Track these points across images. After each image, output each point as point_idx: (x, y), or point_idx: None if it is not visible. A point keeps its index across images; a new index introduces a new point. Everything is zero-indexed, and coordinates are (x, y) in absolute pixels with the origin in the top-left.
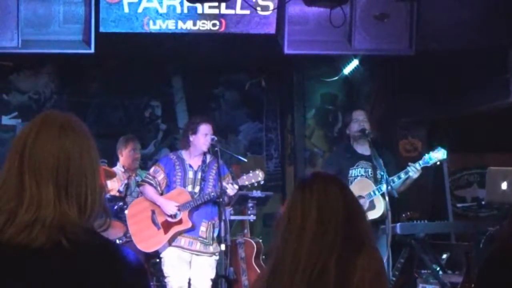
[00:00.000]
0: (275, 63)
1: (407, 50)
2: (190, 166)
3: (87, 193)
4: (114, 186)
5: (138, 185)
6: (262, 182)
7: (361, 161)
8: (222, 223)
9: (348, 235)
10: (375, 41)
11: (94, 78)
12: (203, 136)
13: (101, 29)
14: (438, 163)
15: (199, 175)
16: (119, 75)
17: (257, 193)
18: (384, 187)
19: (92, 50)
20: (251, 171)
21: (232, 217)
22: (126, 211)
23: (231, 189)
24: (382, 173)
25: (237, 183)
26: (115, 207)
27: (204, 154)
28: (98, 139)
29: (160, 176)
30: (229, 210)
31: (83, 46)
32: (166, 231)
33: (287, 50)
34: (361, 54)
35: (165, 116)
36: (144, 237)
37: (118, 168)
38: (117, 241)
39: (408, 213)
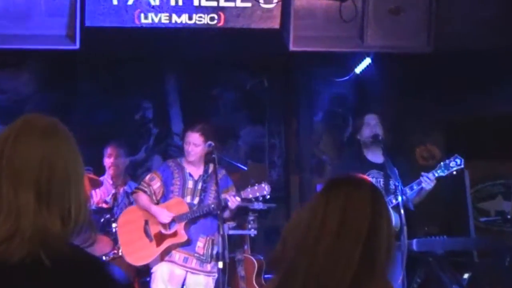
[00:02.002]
0: (279, 61)
1: (424, 47)
2: (190, 175)
3: (71, 204)
4: (101, 196)
5: (132, 193)
6: (267, 197)
7: (373, 170)
8: (220, 238)
9: (364, 257)
10: (390, 37)
11: (80, 77)
12: (186, 145)
13: (87, 23)
14: (455, 172)
15: (199, 185)
16: (107, 74)
17: (258, 205)
18: (398, 199)
19: (77, 46)
20: (256, 184)
21: (231, 232)
22: (113, 224)
23: (233, 202)
24: (396, 183)
25: (240, 196)
26: (102, 220)
27: (206, 162)
28: (84, 144)
29: (156, 185)
30: (227, 224)
31: (67, 41)
32: (158, 244)
33: (292, 47)
34: (374, 51)
35: (157, 119)
36: (134, 249)
37: (106, 177)
38: (104, 258)
39: (426, 228)
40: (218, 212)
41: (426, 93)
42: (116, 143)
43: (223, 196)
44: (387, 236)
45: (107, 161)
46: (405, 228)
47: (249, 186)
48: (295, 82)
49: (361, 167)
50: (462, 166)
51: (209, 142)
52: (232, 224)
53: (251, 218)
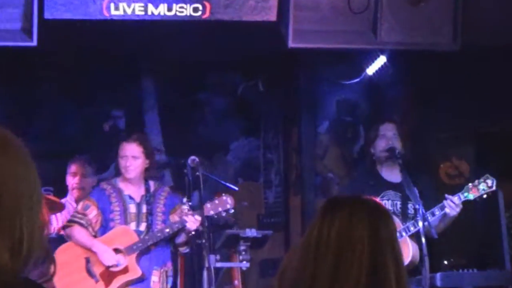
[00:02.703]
0: (277, 60)
1: (449, 44)
2: (131, 197)
3: (23, 231)
4: (63, 221)
5: (63, 227)
6: (231, 211)
7: (388, 190)
8: (205, 272)
9: None
10: (408, 32)
11: (38, 81)
12: (123, 160)
13: (47, 15)
14: (485, 196)
15: (143, 208)
16: (70, 76)
17: (251, 232)
18: (418, 225)
19: (35, 43)
20: (216, 198)
21: (218, 264)
22: None
23: (193, 222)
24: (417, 206)
25: (199, 214)
26: None
27: (147, 180)
28: (43, 160)
29: (92, 213)
30: (214, 255)
31: (23, 37)
32: (107, 284)
33: (292, 43)
34: (389, 49)
35: (131, 129)
36: None
37: (69, 200)
38: None
39: (452, 260)
40: (186, 239)
41: (452, 99)
42: (82, 159)
43: (172, 217)
44: (395, 274)
45: (71, 181)
46: (427, 259)
47: (208, 202)
48: (296, 86)
49: (374, 187)
50: (494, 188)
51: (193, 157)
52: (185, 249)
53: (242, 247)
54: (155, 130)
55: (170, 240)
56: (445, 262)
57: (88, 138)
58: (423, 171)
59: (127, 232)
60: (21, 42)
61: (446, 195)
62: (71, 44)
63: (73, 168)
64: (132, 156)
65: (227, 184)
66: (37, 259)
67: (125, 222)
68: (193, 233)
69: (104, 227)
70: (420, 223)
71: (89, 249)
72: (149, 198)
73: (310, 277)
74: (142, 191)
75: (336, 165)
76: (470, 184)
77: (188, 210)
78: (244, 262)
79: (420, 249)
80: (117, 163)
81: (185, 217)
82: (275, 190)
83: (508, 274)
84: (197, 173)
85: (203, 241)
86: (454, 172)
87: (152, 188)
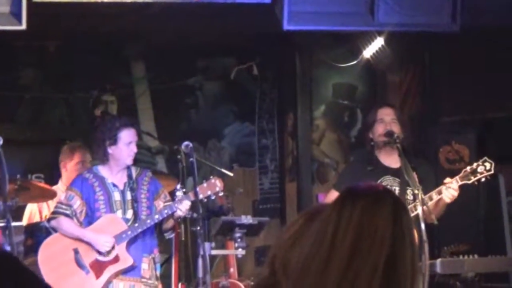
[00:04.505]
0: (271, 43)
1: (449, 25)
2: (114, 185)
3: None
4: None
5: (48, 219)
6: (221, 194)
7: (387, 175)
8: (200, 260)
9: None
10: (406, 13)
11: (27, 65)
12: (125, 146)
13: None
14: (484, 179)
15: (128, 195)
16: (60, 60)
17: (246, 219)
18: (417, 210)
19: (24, 26)
20: (204, 181)
21: (214, 252)
22: None
23: (184, 207)
24: (416, 191)
25: (188, 198)
26: None
27: (128, 167)
28: (32, 147)
29: (76, 204)
30: (209, 243)
31: (11, 20)
32: (98, 275)
33: (287, 26)
34: (388, 30)
35: (122, 115)
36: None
37: (60, 187)
38: None
39: (452, 246)
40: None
41: (452, 82)
42: (82, 146)
43: (157, 202)
44: (411, 265)
45: (81, 169)
46: (426, 245)
47: (197, 186)
48: (291, 69)
49: (373, 172)
50: (492, 171)
51: (186, 143)
52: (170, 234)
53: (238, 235)
54: (147, 116)
55: (155, 226)
56: (445, 248)
57: (77, 124)
58: (422, 156)
59: (115, 221)
60: (9, 25)
61: (446, 180)
62: (59, 28)
63: (77, 156)
64: (136, 141)
65: (222, 170)
66: None
67: (111, 210)
68: (180, 218)
69: (90, 217)
70: (420, 209)
71: (78, 240)
72: (132, 185)
73: (323, 261)
74: (124, 178)
75: (333, 150)
76: (468, 167)
77: (182, 197)
78: (240, 249)
79: (420, 235)
80: (106, 149)
81: (177, 205)
82: (271, 176)
83: (509, 260)
84: (191, 159)
85: (198, 228)
86: (454, 157)
87: (134, 174)
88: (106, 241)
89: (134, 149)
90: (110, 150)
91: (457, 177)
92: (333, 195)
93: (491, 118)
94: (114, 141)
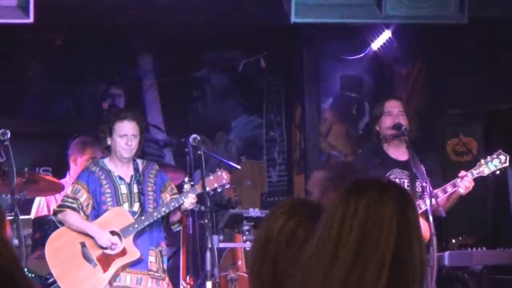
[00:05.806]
0: (279, 35)
1: (457, 17)
2: (121, 178)
3: None
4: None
5: (54, 212)
6: (227, 186)
7: (395, 168)
8: (208, 253)
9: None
10: (414, 5)
11: (34, 58)
12: (120, 139)
13: None
14: (498, 172)
15: (135, 189)
16: (67, 53)
17: (254, 212)
18: (426, 204)
19: (31, 20)
20: (211, 173)
21: (222, 245)
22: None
23: (190, 200)
24: (424, 184)
25: (194, 191)
26: None
27: (134, 159)
28: (40, 140)
29: (83, 197)
30: (217, 236)
31: (19, 13)
32: (105, 268)
33: (294, 18)
34: (395, 22)
35: (129, 108)
36: (76, 281)
37: (68, 180)
38: None
39: (460, 238)
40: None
41: (461, 73)
42: (93, 141)
43: (164, 195)
44: (419, 259)
45: (84, 164)
46: (434, 238)
47: (204, 178)
48: (298, 62)
49: (381, 165)
50: (507, 164)
51: (194, 136)
52: (177, 227)
53: (246, 228)
54: (155, 109)
55: (162, 218)
56: (453, 241)
57: (83, 117)
58: (430, 148)
59: (122, 214)
60: (16, 19)
61: (460, 174)
62: (67, 21)
63: (88, 152)
64: (133, 135)
65: (229, 162)
66: None
67: (117, 203)
68: (187, 211)
69: (97, 210)
70: (428, 201)
71: (84, 233)
72: (139, 178)
73: (329, 258)
74: (131, 171)
75: (341, 143)
76: (482, 160)
77: (173, 188)
78: (248, 242)
79: (428, 228)
80: (106, 141)
81: (184, 198)
82: (279, 169)
83: None
84: (199, 152)
85: (206, 221)
86: (461, 149)
87: (140, 167)
88: (106, 239)
89: (128, 142)
90: (109, 142)
91: (472, 170)
92: None
93: (499, 110)
94: (110, 133)
